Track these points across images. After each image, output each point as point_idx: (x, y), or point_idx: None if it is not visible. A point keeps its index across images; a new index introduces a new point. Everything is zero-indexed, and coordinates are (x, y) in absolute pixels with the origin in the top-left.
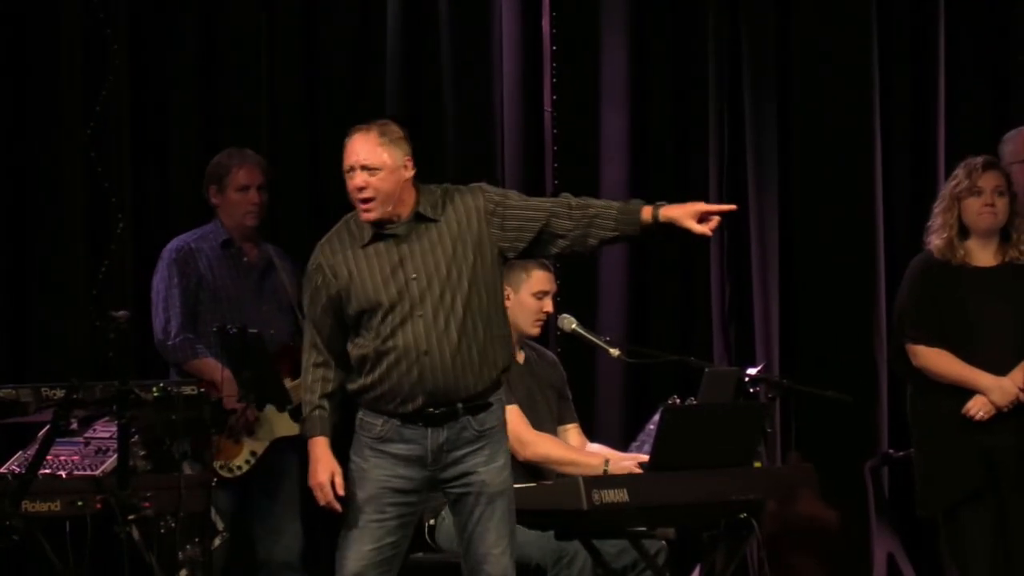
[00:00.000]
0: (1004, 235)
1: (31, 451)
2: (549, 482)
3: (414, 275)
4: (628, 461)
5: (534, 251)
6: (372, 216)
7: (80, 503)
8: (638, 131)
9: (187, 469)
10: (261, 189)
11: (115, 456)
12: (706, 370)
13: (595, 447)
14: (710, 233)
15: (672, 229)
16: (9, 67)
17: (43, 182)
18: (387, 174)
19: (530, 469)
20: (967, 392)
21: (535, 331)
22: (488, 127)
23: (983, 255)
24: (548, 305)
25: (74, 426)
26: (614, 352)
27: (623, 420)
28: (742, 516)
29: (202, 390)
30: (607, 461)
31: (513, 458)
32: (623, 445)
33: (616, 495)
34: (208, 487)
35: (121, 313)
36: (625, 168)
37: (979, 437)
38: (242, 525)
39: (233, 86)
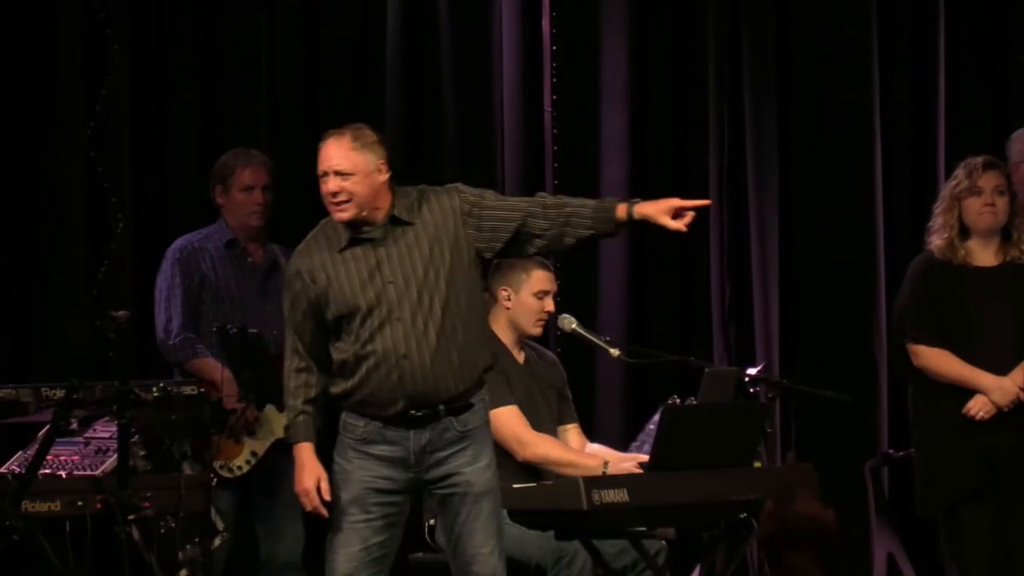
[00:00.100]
0: (1005, 235)
1: (31, 451)
2: (549, 482)
3: (391, 279)
4: (628, 461)
5: (511, 251)
6: (346, 216)
7: (80, 503)
8: (638, 131)
9: (187, 469)
10: (266, 190)
11: (115, 456)
12: (706, 370)
13: (595, 447)
14: (685, 229)
15: (649, 225)
16: (9, 67)
17: (43, 182)
18: (360, 179)
19: (530, 469)
20: (968, 392)
21: (537, 331)
22: (488, 127)
23: (984, 255)
24: (549, 305)
25: (74, 426)
26: (614, 352)
27: (623, 420)
28: (742, 516)
29: (202, 390)
30: (606, 462)
31: (512, 458)
32: (623, 445)
33: (616, 495)
34: (208, 487)
35: (121, 313)
36: (625, 168)
37: (979, 437)
38: (243, 525)
39: (233, 86)
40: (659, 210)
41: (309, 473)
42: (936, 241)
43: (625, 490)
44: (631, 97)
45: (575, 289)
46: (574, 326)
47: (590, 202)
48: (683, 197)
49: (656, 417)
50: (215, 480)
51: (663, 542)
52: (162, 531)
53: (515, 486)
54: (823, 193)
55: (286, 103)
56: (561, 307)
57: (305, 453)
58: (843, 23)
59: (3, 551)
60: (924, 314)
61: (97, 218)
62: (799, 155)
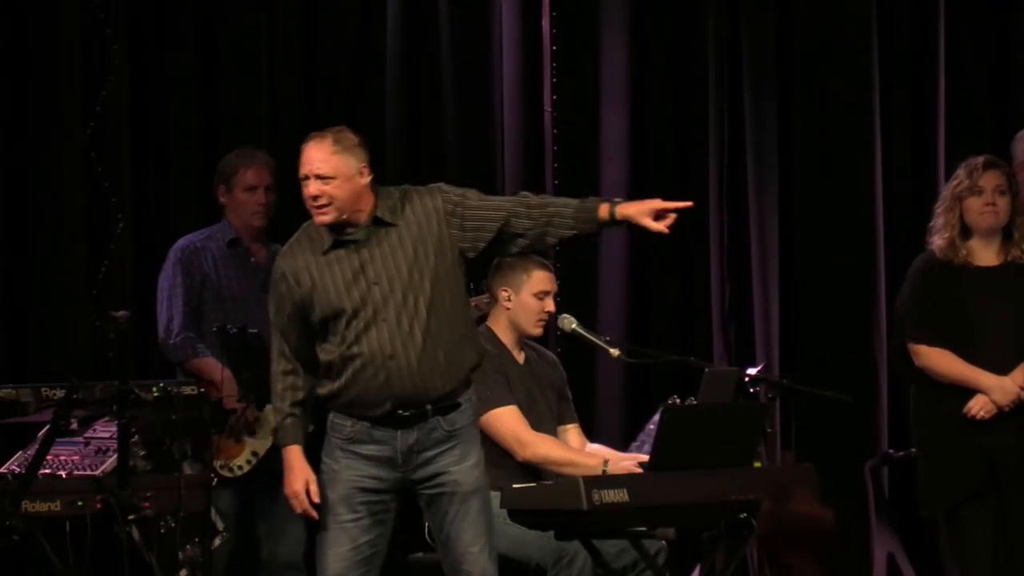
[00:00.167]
0: (1006, 234)
1: (31, 451)
2: (549, 482)
3: (375, 280)
4: (628, 461)
5: (494, 250)
6: (327, 220)
7: (80, 503)
8: (638, 131)
9: (187, 469)
10: (269, 190)
11: (115, 456)
12: (706, 370)
13: (595, 447)
14: (666, 231)
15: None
16: (9, 67)
17: (43, 182)
18: (342, 182)
19: (530, 469)
20: (968, 392)
21: (538, 331)
22: (488, 127)
23: (985, 255)
24: (550, 305)
25: (74, 426)
26: (614, 352)
27: (623, 420)
28: (742, 516)
29: (202, 390)
30: (606, 462)
31: (512, 458)
32: (623, 445)
33: (616, 495)
34: (208, 487)
35: (121, 313)
36: (625, 168)
37: (980, 437)
38: (244, 525)
39: (233, 86)
40: (641, 211)
41: (298, 475)
42: (937, 241)
43: (625, 490)
44: (631, 97)
45: (575, 289)
46: (574, 326)
47: (573, 202)
48: (683, 197)
49: (656, 417)
50: (215, 480)
51: (663, 542)
52: (162, 531)
53: (515, 486)
54: (823, 193)
55: (286, 103)
56: (561, 307)
57: (294, 456)
58: (843, 23)
59: (3, 551)
60: (925, 314)
61: (97, 218)
62: (799, 155)
